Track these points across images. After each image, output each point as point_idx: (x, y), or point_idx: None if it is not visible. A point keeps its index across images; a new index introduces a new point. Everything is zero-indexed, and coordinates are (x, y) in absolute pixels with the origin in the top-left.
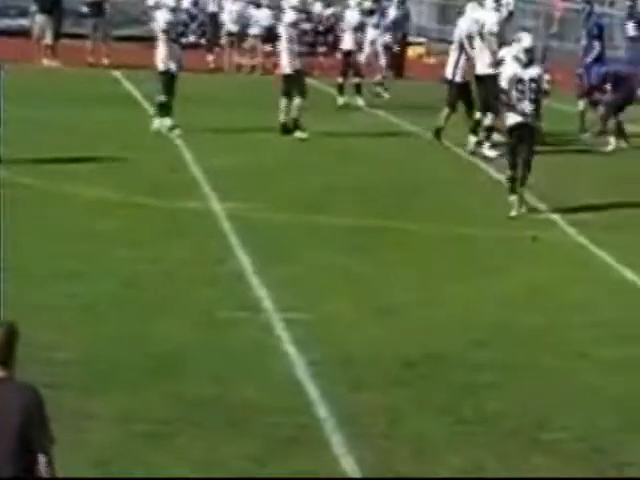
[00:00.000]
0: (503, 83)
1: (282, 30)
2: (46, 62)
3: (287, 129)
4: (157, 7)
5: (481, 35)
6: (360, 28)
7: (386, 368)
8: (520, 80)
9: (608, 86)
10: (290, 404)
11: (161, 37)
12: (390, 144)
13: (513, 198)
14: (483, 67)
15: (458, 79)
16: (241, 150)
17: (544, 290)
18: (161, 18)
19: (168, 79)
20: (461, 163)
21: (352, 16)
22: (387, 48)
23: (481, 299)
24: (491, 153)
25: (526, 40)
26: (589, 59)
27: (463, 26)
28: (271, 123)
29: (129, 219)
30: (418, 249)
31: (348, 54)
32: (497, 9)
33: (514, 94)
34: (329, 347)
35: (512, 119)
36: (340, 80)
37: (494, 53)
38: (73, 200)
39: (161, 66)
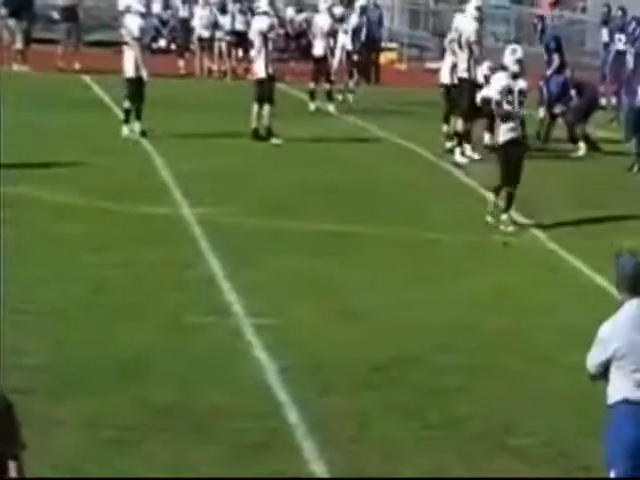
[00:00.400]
0: (494, 94)
1: (254, 35)
2: (16, 67)
3: (258, 135)
4: (127, 11)
5: (459, 42)
6: (331, 34)
7: (354, 372)
8: (510, 91)
9: (572, 92)
10: (259, 409)
11: (132, 43)
12: (360, 149)
13: (505, 217)
14: (459, 72)
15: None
16: (211, 155)
17: (511, 293)
18: (133, 24)
19: (138, 86)
20: (431, 168)
21: (323, 21)
22: (349, 54)
23: (447, 302)
24: (462, 159)
25: (519, 51)
26: (549, 72)
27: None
28: (242, 128)
29: (97, 224)
30: (385, 253)
31: (319, 60)
32: (478, 18)
33: (504, 106)
34: (298, 352)
35: (505, 135)
36: (312, 86)
37: (470, 60)
38: (40, 205)
39: (131, 72)
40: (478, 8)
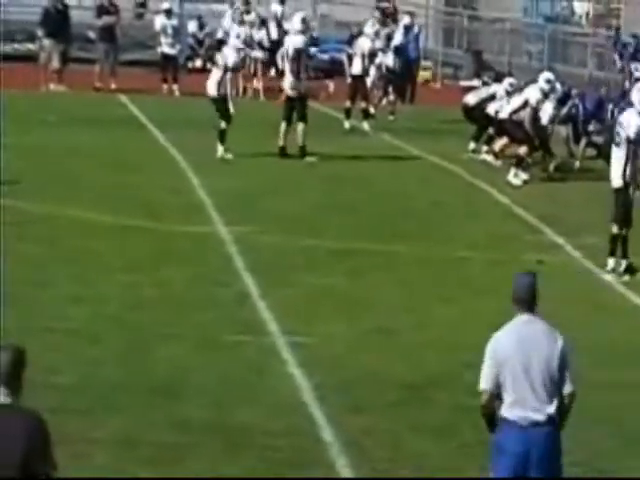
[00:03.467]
0: (545, 121)
1: (287, 54)
2: (53, 87)
3: (285, 152)
4: (224, 42)
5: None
6: (372, 55)
7: (387, 390)
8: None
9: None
10: (294, 427)
11: (220, 68)
12: (394, 168)
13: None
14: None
15: None
16: (246, 173)
17: (543, 311)
18: (230, 56)
19: (223, 105)
20: (466, 186)
21: (365, 43)
22: (390, 72)
23: (478, 321)
24: (516, 180)
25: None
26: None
27: None
28: (275, 147)
29: (132, 242)
30: (417, 271)
31: (356, 78)
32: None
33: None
34: (331, 370)
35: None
36: (348, 104)
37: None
38: (76, 224)
39: (213, 91)
40: (548, 81)
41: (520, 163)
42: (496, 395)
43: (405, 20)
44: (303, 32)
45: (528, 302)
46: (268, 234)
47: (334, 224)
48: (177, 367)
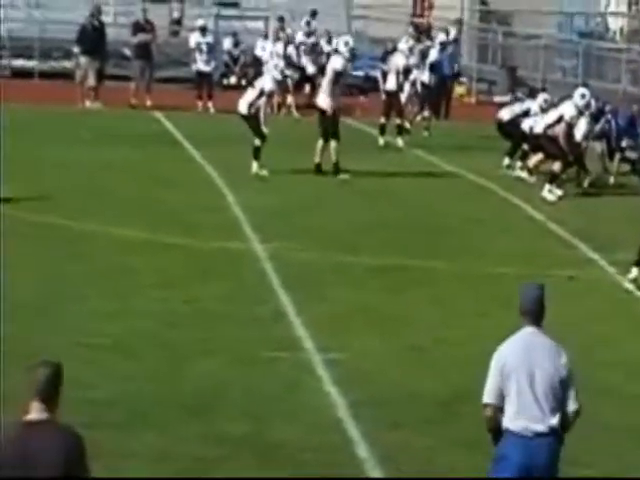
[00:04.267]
0: (580, 137)
1: (328, 72)
2: (89, 104)
3: (320, 169)
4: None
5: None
6: (406, 71)
7: (421, 407)
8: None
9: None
10: (329, 443)
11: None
12: (427, 184)
13: None
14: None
15: None
16: (281, 190)
17: (575, 327)
18: (268, 82)
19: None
20: (500, 202)
21: (399, 59)
22: (425, 88)
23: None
24: (551, 196)
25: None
26: None
27: None
28: (310, 163)
29: (166, 259)
30: (450, 287)
31: (391, 94)
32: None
33: None
34: (366, 387)
35: None
36: (382, 120)
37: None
38: (109, 240)
39: (245, 110)
40: (583, 96)
41: (554, 179)
42: (500, 408)
43: (441, 37)
44: (346, 56)
45: (535, 314)
46: (303, 251)
47: (369, 240)
48: (212, 383)
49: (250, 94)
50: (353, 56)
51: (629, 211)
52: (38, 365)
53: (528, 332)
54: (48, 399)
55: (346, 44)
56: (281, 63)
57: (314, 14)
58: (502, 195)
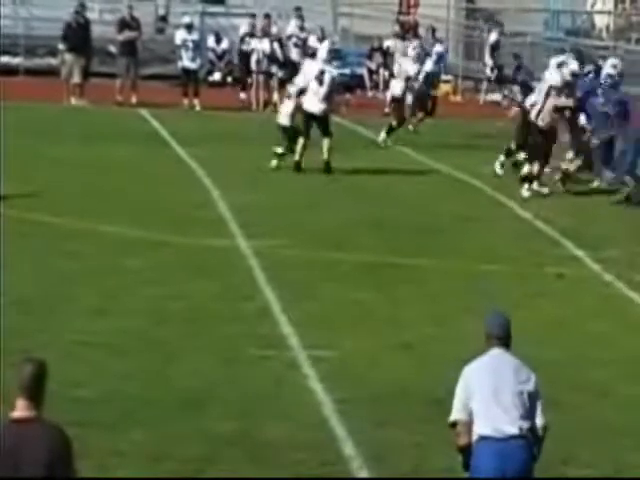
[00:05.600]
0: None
1: (326, 81)
2: (74, 101)
3: (300, 167)
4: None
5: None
6: (415, 77)
7: (411, 405)
8: None
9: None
10: (316, 441)
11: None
12: (415, 181)
13: None
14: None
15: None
16: (267, 187)
17: (566, 326)
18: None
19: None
20: (486, 200)
21: (409, 65)
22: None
23: None
24: (527, 193)
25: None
26: None
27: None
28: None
29: (156, 256)
30: (439, 285)
31: (397, 100)
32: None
33: None
34: (354, 384)
35: None
36: (394, 124)
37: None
38: (98, 237)
39: (287, 122)
40: (574, 74)
41: (530, 179)
42: (470, 426)
43: (437, 48)
44: (328, 61)
45: (504, 339)
46: (291, 248)
47: (357, 238)
48: (201, 381)
49: (288, 105)
50: (334, 57)
51: (615, 208)
52: (23, 363)
53: (496, 353)
54: (34, 396)
55: (330, 52)
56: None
57: (298, 11)
58: (489, 193)
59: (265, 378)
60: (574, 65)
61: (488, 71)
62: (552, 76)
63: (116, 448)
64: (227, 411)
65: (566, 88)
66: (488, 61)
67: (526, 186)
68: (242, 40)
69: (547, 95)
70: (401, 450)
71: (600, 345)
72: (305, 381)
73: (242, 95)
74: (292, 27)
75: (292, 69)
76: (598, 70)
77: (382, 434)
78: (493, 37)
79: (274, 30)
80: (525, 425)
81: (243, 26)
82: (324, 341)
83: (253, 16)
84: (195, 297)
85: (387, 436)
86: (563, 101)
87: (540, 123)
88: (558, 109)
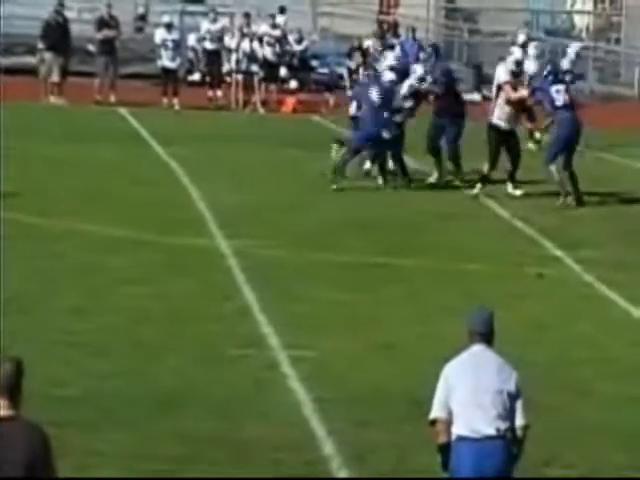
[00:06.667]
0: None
1: None
2: (53, 100)
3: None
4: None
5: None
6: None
7: (391, 405)
8: None
9: None
10: (296, 441)
11: None
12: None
13: None
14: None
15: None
16: (247, 187)
17: (547, 326)
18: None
19: None
20: (465, 199)
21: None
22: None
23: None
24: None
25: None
26: None
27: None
28: (277, 161)
29: (135, 255)
30: (420, 285)
31: None
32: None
33: None
34: (334, 384)
35: None
36: None
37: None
38: (77, 237)
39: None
40: (518, 63)
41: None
42: (449, 423)
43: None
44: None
45: (486, 336)
46: (273, 248)
47: (338, 238)
48: (181, 380)
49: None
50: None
51: (595, 208)
52: (1, 362)
53: (477, 350)
54: (13, 395)
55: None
56: None
57: (282, 10)
58: (467, 192)
59: (245, 378)
60: (518, 54)
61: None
62: (498, 73)
63: (96, 447)
64: (207, 411)
65: (516, 79)
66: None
67: (510, 185)
68: (204, 38)
69: (498, 92)
70: (381, 450)
71: (581, 345)
72: (285, 381)
73: (209, 93)
74: (265, 26)
75: (267, 68)
76: None
77: (362, 434)
78: (521, 37)
79: (254, 29)
80: (503, 425)
81: (204, 24)
82: (304, 341)
83: (232, 15)
84: (175, 296)
85: (367, 436)
86: (515, 94)
87: (497, 122)
88: (511, 102)
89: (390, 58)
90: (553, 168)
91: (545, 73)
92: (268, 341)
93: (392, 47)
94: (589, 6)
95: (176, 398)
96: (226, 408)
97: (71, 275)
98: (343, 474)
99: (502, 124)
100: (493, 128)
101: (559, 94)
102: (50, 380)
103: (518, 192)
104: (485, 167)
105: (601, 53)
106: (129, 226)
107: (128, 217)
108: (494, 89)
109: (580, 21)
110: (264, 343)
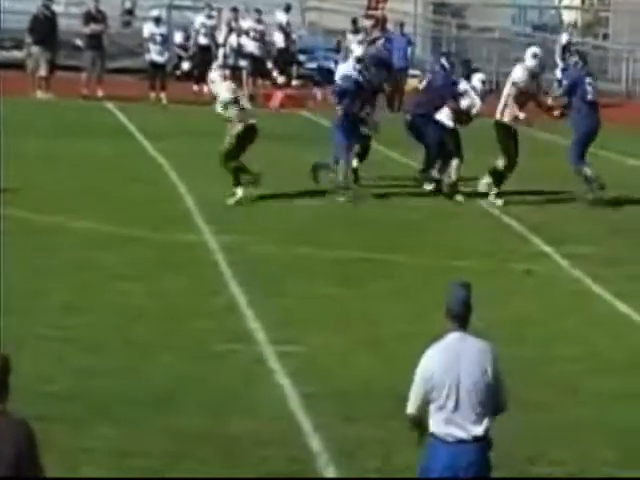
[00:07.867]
0: None
1: None
2: (40, 94)
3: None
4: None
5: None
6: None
7: (379, 401)
8: None
9: None
10: (283, 436)
11: None
12: (382, 176)
13: None
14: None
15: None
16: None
17: (534, 322)
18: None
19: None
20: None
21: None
22: None
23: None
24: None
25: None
26: None
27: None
28: (262, 155)
29: (125, 251)
30: (409, 281)
31: None
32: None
33: None
34: (322, 380)
35: None
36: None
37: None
38: (67, 233)
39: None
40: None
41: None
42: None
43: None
44: None
45: (462, 319)
46: (261, 244)
47: (327, 234)
48: (169, 376)
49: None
50: None
51: (582, 203)
52: None
53: (455, 338)
54: (2, 391)
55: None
56: None
57: (288, 9)
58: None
59: (232, 373)
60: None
61: (558, 73)
62: (515, 72)
63: (83, 444)
64: (195, 407)
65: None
66: (558, 63)
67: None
68: (198, 33)
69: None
70: (368, 446)
71: (568, 341)
72: (272, 376)
73: (195, 87)
74: (249, 21)
75: (253, 63)
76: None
77: (349, 429)
78: (564, 38)
79: (241, 24)
80: (478, 430)
81: (198, 18)
82: (292, 336)
83: (219, 10)
84: (163, 292)
85: (354, 431)
86: (515, 111)
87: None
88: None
89: (358, 51)
90: (586, 168)
91: (574, 62)
92: (255, 336)
93: (374, 41)
94: (577, 1)
95: (164, 394)
96: (215, 404)
97: (61, 271)
98: (331, 471)
99: (511, 124)
100: (503, 126)
101: (591, 87)
102: (39, 376)
103: (499, 202)
104: (500, 162)
105: (589, 48)
106: (119, 222)
107: (117, 213)
108: (508, 86)
109: (568, 16)
110: (252, 338)
